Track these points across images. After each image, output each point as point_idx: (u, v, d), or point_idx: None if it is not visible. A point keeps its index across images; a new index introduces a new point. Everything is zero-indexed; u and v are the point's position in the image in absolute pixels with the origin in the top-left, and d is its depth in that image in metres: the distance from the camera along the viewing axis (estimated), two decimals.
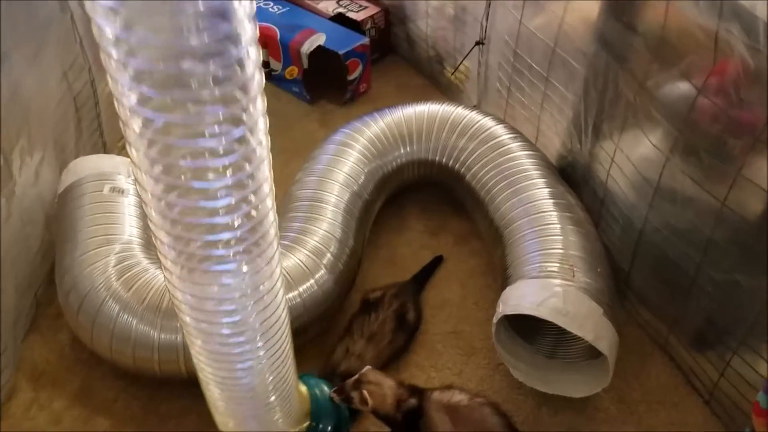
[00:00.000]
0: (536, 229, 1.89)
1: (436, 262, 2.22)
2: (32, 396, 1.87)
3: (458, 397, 1.65)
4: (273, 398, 1.46)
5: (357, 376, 1.66)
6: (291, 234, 1.98)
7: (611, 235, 1.98)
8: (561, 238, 1.84)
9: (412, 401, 1.65)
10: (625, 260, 1.95)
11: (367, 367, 1.68)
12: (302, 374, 1.71)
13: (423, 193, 2.39)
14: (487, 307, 2.06)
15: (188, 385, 1.86)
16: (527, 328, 1.91)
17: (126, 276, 1.83)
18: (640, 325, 2.01)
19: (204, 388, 1.46)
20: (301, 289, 1.87)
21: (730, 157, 1.54)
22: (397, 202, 2.36)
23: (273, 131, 2.87)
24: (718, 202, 1.56)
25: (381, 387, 1.65)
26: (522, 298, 1.71)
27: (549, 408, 1.83)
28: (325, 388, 1.73)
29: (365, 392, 1.62)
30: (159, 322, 1.77)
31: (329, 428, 1.69)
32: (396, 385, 1.66)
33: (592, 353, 1.81)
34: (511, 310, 1.71)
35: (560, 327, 1.88)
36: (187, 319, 1.23)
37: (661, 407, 1.84)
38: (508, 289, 1.79)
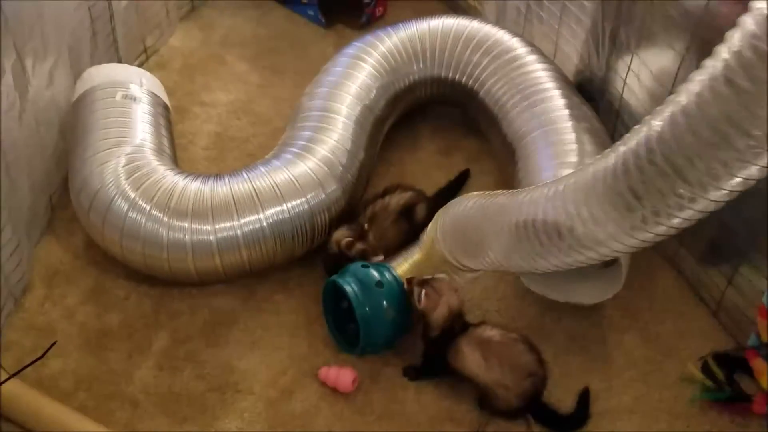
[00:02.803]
0: (551, 140, 1.87)
1: (463, 176, 2.19)
2: (46, 292, 1.92)
3: (490, 333, 1.64)
4: None
5: (429, 277, 1.69)
6: (301, 142, 1.98)
7: None
8: (576, 146, 1.82)
9: (457, 325, 1.66)
10: None
11: (444, 275, 1.71)
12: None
13: (436, 114, 2.37)
14: None
15: (199, 285, 1.91)
16: None
17: (135, 175, 1.85)
18: None
19: None
20: (308, 196, 1.88)
21: None
22: (409, 121, 2.34)
23: (287, 55, 2.88)
24: None
25: (440, 296, 1.66)
26: None
27: (553, 315, 1.84)
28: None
29: (423, 292, 1.66)
30: (167, 221, 1.79)
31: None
32: (457, 306, 1.67)
33: (603, 264, 1.80)
34: None
35: None
36: None
37: (666, 316, 1.83)
38: None
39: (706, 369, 1.69)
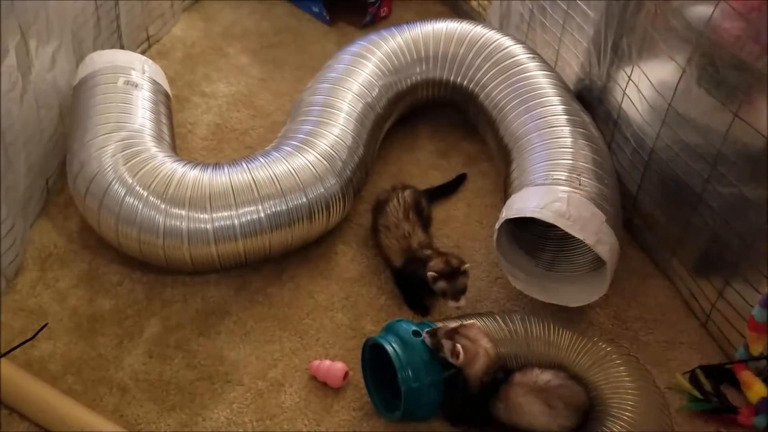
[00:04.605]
0: (546, 141, 1.88)
1: (459, 180, 2.20)
2: (38, 275, 1.91)
3: (545, 376, 1.54)
4: None
5: (456, 325, 1.54)
6: (301, 136, 1.98)
7: (622, 157, 1.97)
8: (571, 150, 1.83)
9: (500, 374, 1.54)
10: (634, 183, 1.94)
11: (472, 321, 1.59)
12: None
13: (436, 115, 2.38)
14: (490, 224, 2.05)
15: (193, 273, 1.91)
16: (529, 243, 1.91)
17: (134, 161, 1.85)
18: (644, 249, 2.00)
19: None
20: (307, 189, 1.88)
21: (747, 69, 1.52)
22: (409, 122, 2.35)
23: (289, 49, 2.88)
24: (731, 114, 1.55)
25: (476, 345, 1.52)
26: (526, 202, 1.71)
27: None
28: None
29: (458, 346, 1.50)
30: (164, 208, 1.79)
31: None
32: (492, 347, 1.54)
33: (591, 268, 1.82)
34: (514, 214, 1.71)
35: (561, 242, 1.89)
36: None
37: (656, 326, 1.85)
38: (512, 195, 1.79)
39: (693, 379, 1.70)
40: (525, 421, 1.53)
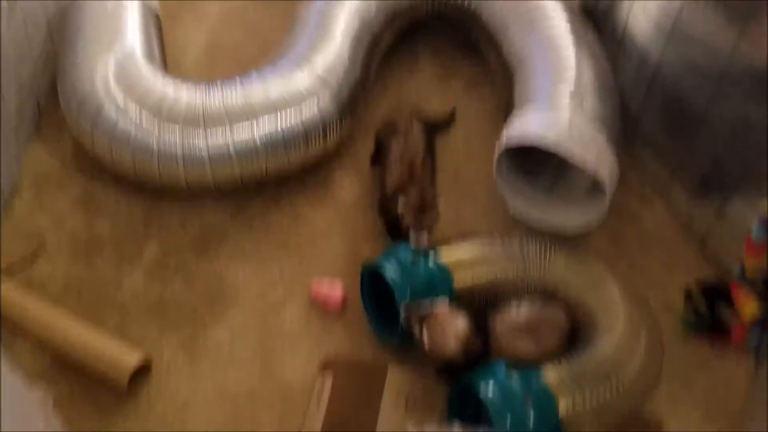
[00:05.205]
0: (550, 61, 1.83)
1: (451, 117, 2.13)
2: (35, 198, 1.89)
3: (523, 312, 1.56)
4: None
5: (428, 311, 1.52)
6: (297, 56, 1.93)
7: (625, 76, 1.93)
8: (575, 70, 1.79)
9: (477, 344, 1.52)
10: (636, 103, 1.91)
11: (442, 302, 1.54)
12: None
13: (436, 36, 2.31)
14: (490, 148, 2.02)
15: (188, 196, 1.89)
16: (528, 166, 1.89)
17: (126, 81, 1.80)
18: (643, 172, 1.99)
19: None
20: (303, 110, 1.84)
21: None
22: (409, 43, 2.28)
23: None
24: (737, 32, 1.50)
25: (444, 335, 1.50)
26: (527, 126, 1.68)
27: None
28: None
29: (424, 336, 1.50)
30: (158, 128, 1.76)
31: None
32: (466, 329, 1.51)
33: (590, 191, 1.81)
34: (515, 142, 1.69)
35: (561, 163, 1.87)
36: None
37: (654, 248, 1.86)
38: (514, 120, 1.76)
39: (689, 297, 1.72)
40: (522, 357, 1.54)
